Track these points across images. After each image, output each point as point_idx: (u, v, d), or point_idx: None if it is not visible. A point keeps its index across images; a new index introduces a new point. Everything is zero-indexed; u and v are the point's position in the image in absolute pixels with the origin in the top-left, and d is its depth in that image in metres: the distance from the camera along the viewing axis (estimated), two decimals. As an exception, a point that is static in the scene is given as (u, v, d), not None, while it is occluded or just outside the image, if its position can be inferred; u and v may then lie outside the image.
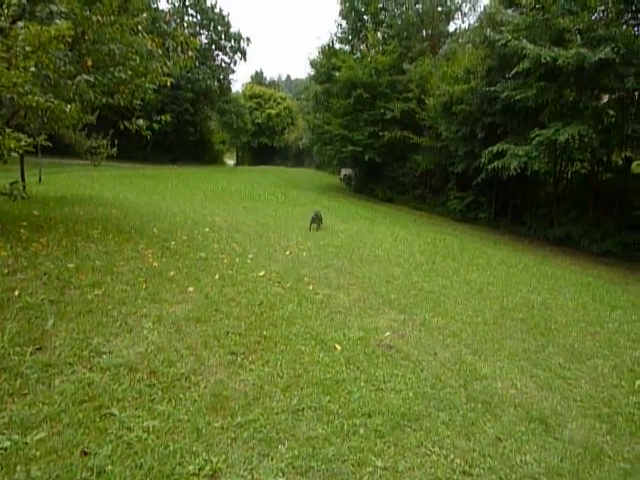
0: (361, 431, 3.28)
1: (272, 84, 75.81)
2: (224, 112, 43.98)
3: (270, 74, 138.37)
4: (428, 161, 24.99)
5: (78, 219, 8.48)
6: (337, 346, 4.61)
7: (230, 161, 55.23)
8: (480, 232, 19.96)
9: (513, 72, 16.16)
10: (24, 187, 8.68)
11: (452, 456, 3.19)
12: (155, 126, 8.67)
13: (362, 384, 3.95)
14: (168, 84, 8.60)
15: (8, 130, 4.19)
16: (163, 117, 8.86)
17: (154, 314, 4.61)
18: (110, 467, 2.55)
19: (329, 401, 3.59)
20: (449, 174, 24.53)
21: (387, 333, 5.19)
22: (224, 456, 2.78)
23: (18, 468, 2.47)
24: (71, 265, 5.58)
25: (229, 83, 46.32)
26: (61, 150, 16.76)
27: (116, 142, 11.76)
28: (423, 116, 24.30)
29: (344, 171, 34.85)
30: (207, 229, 9.22)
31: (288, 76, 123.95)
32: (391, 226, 15.50)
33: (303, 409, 3.42)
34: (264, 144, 54.24)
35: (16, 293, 4.57)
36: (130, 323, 4.34)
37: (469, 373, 4.56)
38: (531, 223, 20.38)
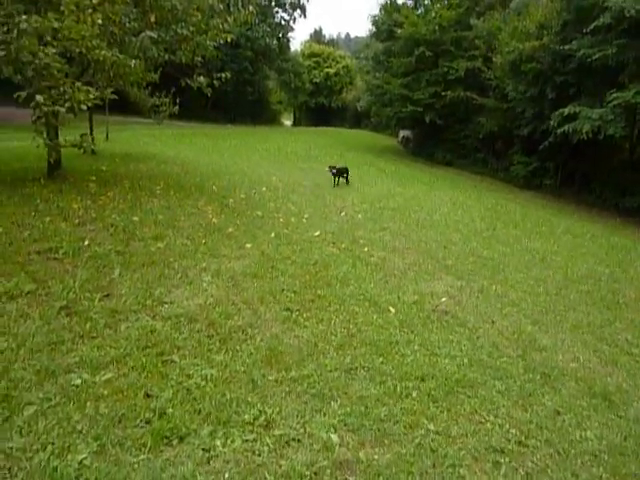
0: (414, 394, 3.26)
1: (331, 42, 73.90)
2: (282, 71, 43.45)
3: (329, 32, 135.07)
4: (492, 123, 23.71)
5: (142, 175, 8.78)
6: (391, 309, 4.57)
7: (287, 121, 54.99)
8: (544, 199, 18.98)
9: (591, 27, 14.82)
10: (92, 140, 9.01)
11: (507, 426, 3.11)
12: (215, 83, 8.68)
13: (416, 348, 3.91)
14: (229, 40, 8.55)
15: (78, 84, 4.32)
16: (223, 74, 8.86)
17: (213, 268, 4.74)
18: (171, 410, 2.68)
19: (382, 362, 3.58)
20: (514, 137, 23.24)
21: (443, 299, 5.08)
22: (278, 408, 2.85)
23: (88, 404, 2.64)
24: (135, 218, 5.81)
25: (288, 41, 45.49)
26: (126, 109, 17.28)
27: (178, 101, 11.89)
28: (489, 75, 22.97)
29: (402, 133, 33.83)
30: (264, 188, 9.29)
31: (348, 34, 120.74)
32: (450, 190, 15.02)
33: (356, 368, 3.43)
34: (321, 104, 53.35)
35: (86, 243, 4.83)
36: (190, 276, 4.49)
37: (528, 343, 4.40)
38: (601, 191, 19.10)
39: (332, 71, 53.71)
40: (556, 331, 4.84)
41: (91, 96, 4.25)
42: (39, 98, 3.94)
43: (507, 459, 2.82)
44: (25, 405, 2.57)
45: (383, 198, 10.59)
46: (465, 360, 3.85)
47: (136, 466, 2.28)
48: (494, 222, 10.21)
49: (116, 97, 6.55)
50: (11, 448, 2.28)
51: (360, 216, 8.31)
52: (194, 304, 3.94)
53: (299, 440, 2.63)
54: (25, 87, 4.46)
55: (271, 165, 14.10)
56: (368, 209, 9.04)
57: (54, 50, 4.01)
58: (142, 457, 2.34)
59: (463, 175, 23.49)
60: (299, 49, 58.42)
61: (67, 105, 4.14)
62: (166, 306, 3.85)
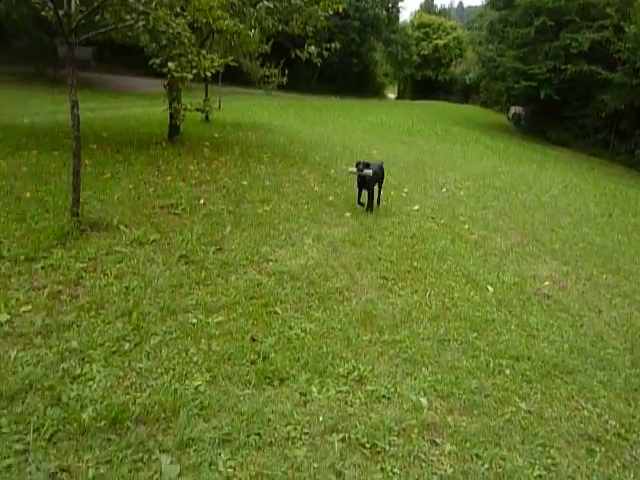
0: (507, 372, 3.22)
1: (442, 12, 70.52)
2: (390, 42, 42.48)
3: (441, 1, 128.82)
4: (618, 101, 21.45)
5: (251, 143, 9.25)
6: (489, 287, 4.49)
7: (391, 94, 53.92)
8: (675, 188, 17.00)
9: None
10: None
11: (606, 416, 2.98)
12: (324, 54, 8.81)
13: (513, 328, 3.83)
14: (340, 10, 8.59)
15: (203, 52, 4.67)
16: (332, 45, 8.96)
17: (314, 233, 4.97)
18: (273, 355, 2.93)
19: (476, 337, 3.56)
20: (644, 117, 20.92)
21: (546, 283, 4.87)
22: (371, 366, 2.98)
23: (202, 341, 2.99)
24: (245, 182, 6.21)
25: (397, 12, 44.22)
26: (238, 79, 18.15)
27: (286, 72, 12.23)
28: (619, 47, 20.69)
29: (513, 109, 31.82)
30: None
31: (460, 3, 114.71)
32: (562, 172, 14.00)
33: (449, 340, 3.46)
34: (428, 77, 51.55)
35: (201, 201, 5.28)
36: (293, 238, 4.76)
37: (638, 337, 4.11)
38: None
39: (441, 43, 51.50)
40: (674, 328, 4.45)
41: (215, 63, 4.58)
42: (171, 65, 4.35)
43: (603, 449, 2.72)
44: (151, 335, 2.96)
45: (488, 176, 10.18)
46: (565, 346, 3.71)
47: (242, 398, 2.55)
48: (611, 208, 9.41)
49: (236, 64, 6.95)
50: (140, 368, 2.66)
51: (462, 193, 8.09)
52: (296, 264, 4.19)
53: (389, 398, 2.75)
54: (158, 55, 4.94)
55: (373, 138, 14.06)
56: (471, 186, 8.76)
57: (184, 20, 4.37)
58: (247, 392, 2.60)
59: (579, 156, 21.74)
60: (408, 20, 56.63)
61: (194, 72, 4.52)
62: (271, 263, 4.15)
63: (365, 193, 5.98)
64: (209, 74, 4.64)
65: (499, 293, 4.42)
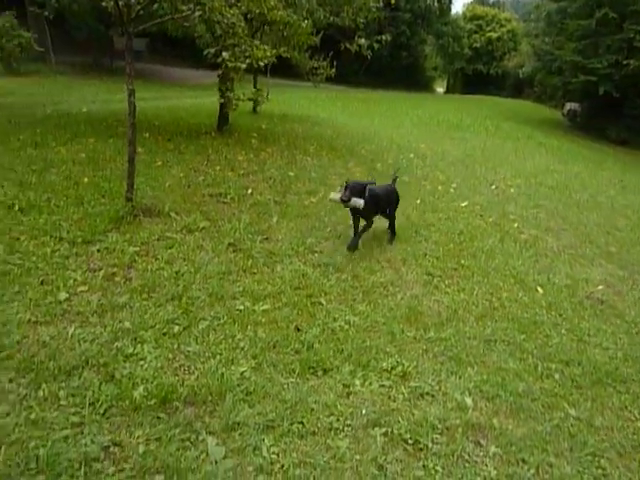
0: (556, 376, 3.11)
1: (496, 4, 68.25)
2: (441, 35, 41.50)
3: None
4: (686, 99, 20.20)
5: (297, 135, 9.30)
6: (539, 289, 4.34)
7: (440, 89, 52.80)
8: None
9: None
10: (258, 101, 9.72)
11: (662, 429, 2.83)
12: (375, 46, 8.72)
13: (563, 332, 3.69)
14: (392, 1, 8.47)
15: (256, 42, 4.72)
16: (383, 37, 8.86)
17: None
18: (317, 345, 2.95)
19: (524, 339, 3.46)
20: None
21: (600, 287, 4.66)
22: (415, 363, 2.95)
23: (249, 327, 3.04)
24: (291, 174, 6.25)
25: (449, 3, 43.08)
26: (285, 72, 18.22)
27: (335, 64, 12.19)
28: (691, 40, 19.42)
29: (569, 105, 30.45)
30: (412, 155, 9.22)
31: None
32: (621, 172, 13.35)
33: (496, 341, 3.37)
34: (479, 71, 50.11)
35: (249, 191, 5.37)
36: (338, 230, 4.76)
37: (700, 348, 3.87)
38: None
39: (495, 35, 49.88)
40: None
41: (268, 54, 4.63)
42: (225, 55, 4.43)
43: (658, 463, 2.59)
44: (200, 320, 3.04)
45: (540, 174, 9.83)
46: (619, 353, 3.54)
47: (286, 386, 2.58)
48: (674, 211, 8.89)
49: (288, 55, 6.99)
50: (189, 351, 2.74)
51: (512, 190, 7.85)
52: (341, 256, 4.19)
53: (433, 395, 2.71)
54: (212, 46, 5.03)
55: (421, 133, 13.85)
56: (522, 184, 8.49)
57: (238, 11, 4.42)
58: (291, 380, 2.63)
59: None
60: (460, 12, 55.18)
61: (247, 62, 4.58)
62: (316, 255, 4.17)
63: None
64: (262, 64, 4.69)
65: (549, 295, 4.27)
